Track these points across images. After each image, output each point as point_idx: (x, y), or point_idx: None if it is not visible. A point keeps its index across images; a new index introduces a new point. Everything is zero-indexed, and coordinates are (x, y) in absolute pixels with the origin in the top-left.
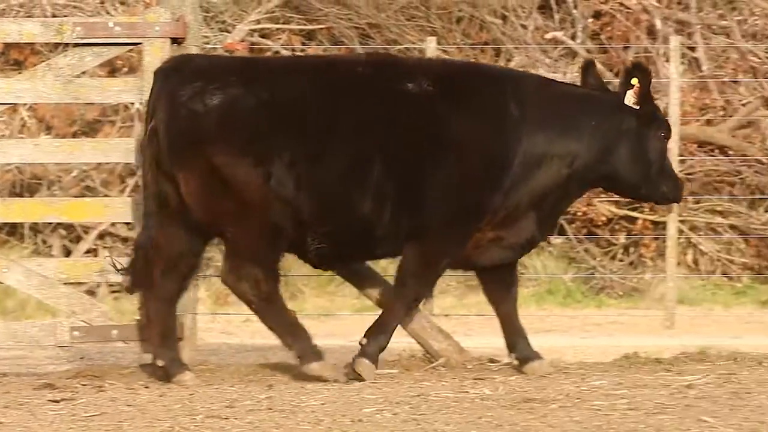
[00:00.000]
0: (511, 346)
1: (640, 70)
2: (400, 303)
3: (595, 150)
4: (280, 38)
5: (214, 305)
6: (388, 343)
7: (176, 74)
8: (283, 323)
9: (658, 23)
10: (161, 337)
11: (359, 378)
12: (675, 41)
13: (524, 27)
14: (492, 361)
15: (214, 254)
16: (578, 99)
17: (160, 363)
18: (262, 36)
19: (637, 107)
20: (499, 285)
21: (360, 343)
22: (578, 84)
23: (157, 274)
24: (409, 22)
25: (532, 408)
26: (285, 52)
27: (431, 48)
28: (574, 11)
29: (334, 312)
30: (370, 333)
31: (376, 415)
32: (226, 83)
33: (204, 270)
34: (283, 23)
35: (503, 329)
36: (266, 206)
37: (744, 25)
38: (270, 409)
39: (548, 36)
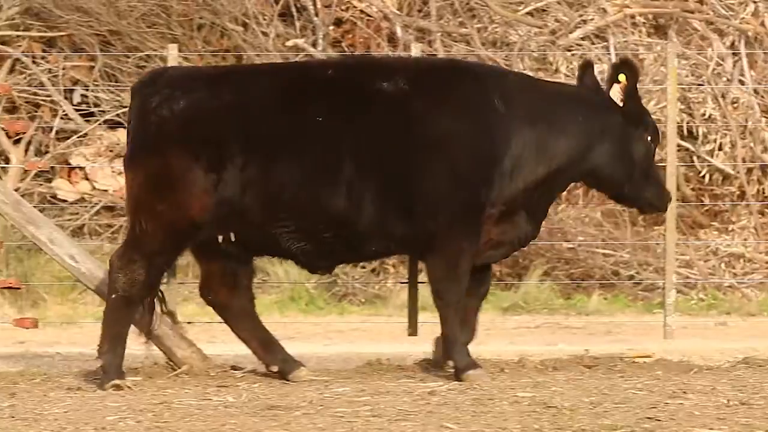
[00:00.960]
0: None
1: (628, 67)
2: (447, 311)
3: (580, 146)
4: (20, 45)
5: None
6: (467, 341)
7: (149, 86)
8: (115, 330)
9: (399, 31)
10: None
11: (478, 386)
12: (416, 48)
13: (265, 34)
14: (235, 368)
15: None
16: (564, 97)
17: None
18: (2, 43)
19: (623, 105)
20: (472, 280)
21: (451, 367)
22: (567, 83)
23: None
24: (150, 29)
25: (276, 415)
26: (26, 60)
27: (173, 55)
28: (315, 19)
29: (76, 320)
30: (450, 352)
31: (119, 423)
32: (191, 89)
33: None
34: (24, 30)
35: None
36: (198, 212)
37: (484, 32)
38: (12, 417)
39: (289, 43)
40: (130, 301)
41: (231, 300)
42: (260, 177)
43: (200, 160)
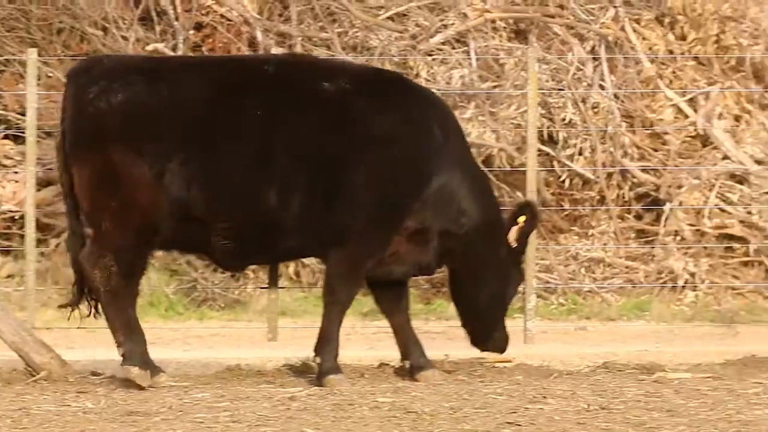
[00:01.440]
0: (406, 354)
1: (531, 212)
2: (334, 308)
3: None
4: None
5: None
6: (338, 348)
7: (85, 75)
8: (121, 320)
9: (260, 35)
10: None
11: (338, 391)
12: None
13: (125, 38)
14: (94, 374)
15: None
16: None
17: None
18: None
19: (514, 245)
20: (391, 297)
21: (316, 363)
22: None
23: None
24: (9, 33)
25: (135, 421)
26: None
27: (32, 59)
28: (176, 23)
29: None
30: (318, 349)
31: None
32: (129, 81)
33: None
34: None
35: (396, 338)
36: (150, 207)
37: (344, 37)
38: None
39: (149, 48)
40: (115, 294)
41: None
42: (201, 172)
43: (142, 155)
